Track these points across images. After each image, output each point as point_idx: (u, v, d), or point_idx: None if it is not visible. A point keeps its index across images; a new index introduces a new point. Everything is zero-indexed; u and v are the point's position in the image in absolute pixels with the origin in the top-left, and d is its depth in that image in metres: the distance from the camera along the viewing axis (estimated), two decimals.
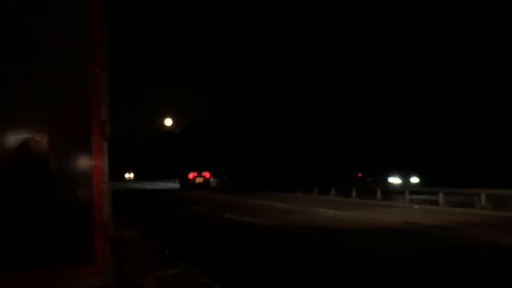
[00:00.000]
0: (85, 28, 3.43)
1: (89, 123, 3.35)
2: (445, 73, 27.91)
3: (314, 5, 37.52)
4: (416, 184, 37.01)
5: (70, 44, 3.40)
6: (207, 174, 48.02)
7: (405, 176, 38.40)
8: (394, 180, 38.96)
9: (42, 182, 3.31)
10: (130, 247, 9.63)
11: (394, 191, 29.76)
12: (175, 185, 56.20)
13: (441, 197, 22.13)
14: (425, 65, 29.20)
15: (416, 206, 21.89)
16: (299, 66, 39.98)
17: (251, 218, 17.05)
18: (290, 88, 42.31)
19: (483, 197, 20.22)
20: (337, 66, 35.24)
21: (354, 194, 28.14)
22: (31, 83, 3.31)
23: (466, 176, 27.70)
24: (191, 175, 47.07)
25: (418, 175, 37.73)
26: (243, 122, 56.57)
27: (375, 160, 39.54)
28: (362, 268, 8.70)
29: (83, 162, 3.36)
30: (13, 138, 3.28)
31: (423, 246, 11.01)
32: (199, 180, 46.92)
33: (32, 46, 3.31)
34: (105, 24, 3.49)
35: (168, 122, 45.97)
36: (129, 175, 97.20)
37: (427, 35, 28.29)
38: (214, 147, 62.43)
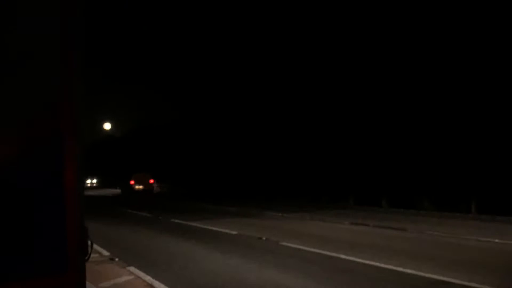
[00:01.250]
0: (58, 26, 3.23)
1: (60, 124, 3.15)
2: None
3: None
4: None
5: (43, 43, 3.21)
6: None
7: None
8: None
9: (9, 187, 3.06)
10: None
11: None
12: None
13: None
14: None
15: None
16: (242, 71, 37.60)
17: None
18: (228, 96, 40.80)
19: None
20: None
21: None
22: None
23: None
24: None
25: None
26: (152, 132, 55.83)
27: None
28: None
29: (54, 166, 3.13)
30: None
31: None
32: None
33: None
34: (82, 23, 3.33)
35: (107, 126, 44.26)
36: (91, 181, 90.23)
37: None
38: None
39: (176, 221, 16.94)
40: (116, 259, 9.16)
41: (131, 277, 8.04)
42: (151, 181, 37.28)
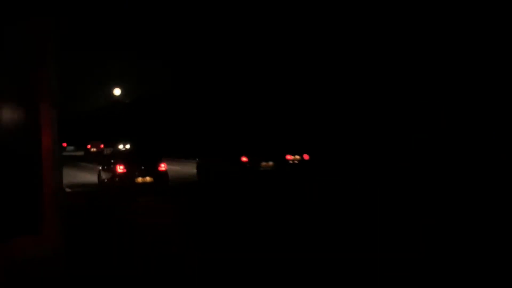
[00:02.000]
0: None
1: (37, 92, 3.17)
2: None
3: None
4: None
5: (20, 13, 3.14)
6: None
7: None
8: None
9: None
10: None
11: None
12: None
13: None
14: None
15: None
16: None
17: None
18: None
19: None
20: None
21: None
22: None
23: None
24: None
25: None
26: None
27: None
28: None
29: (31, 129, 3.16)
30: None
31: None
32: None
33: None
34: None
35: (117, 91, 45.33)
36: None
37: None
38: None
39: (87, 164, 37.59)
40: None
41: None
42: (102, 146, 57.76)
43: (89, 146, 57.97)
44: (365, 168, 20.50)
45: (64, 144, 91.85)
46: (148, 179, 18.88)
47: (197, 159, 23.57)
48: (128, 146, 60.95)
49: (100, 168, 21.25)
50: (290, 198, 15.18)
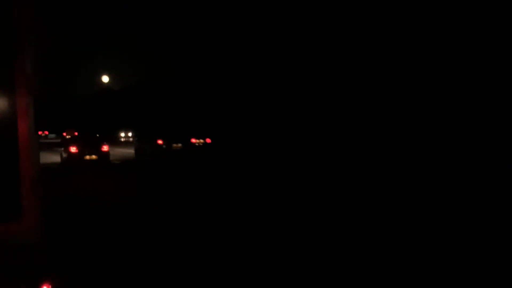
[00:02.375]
0: None
1: (12, 77, 3.19)
2: None
3: None
4: None
5: None
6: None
7: None
8: None
9: None
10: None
11: None
12: None
13: None
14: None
15: None
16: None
17: None
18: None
19: None
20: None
21: None
22: None
23: None
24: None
25: None
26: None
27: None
28: None
29: (7, 116, 3.20)
30: None
31: None
32: None
33: None
34: None
35: (105, 78, 46.64)
36: None
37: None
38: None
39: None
40: None
41: None
42: (76, 133, 65.29)
43: (64, 134, 65.52)
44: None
45: (46, 132, 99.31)
46: (93, 157, 26.61)
47: (134, 143, 31.42)
48: (130, 134, 66.94)
49: (62, 149, 28.91)
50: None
